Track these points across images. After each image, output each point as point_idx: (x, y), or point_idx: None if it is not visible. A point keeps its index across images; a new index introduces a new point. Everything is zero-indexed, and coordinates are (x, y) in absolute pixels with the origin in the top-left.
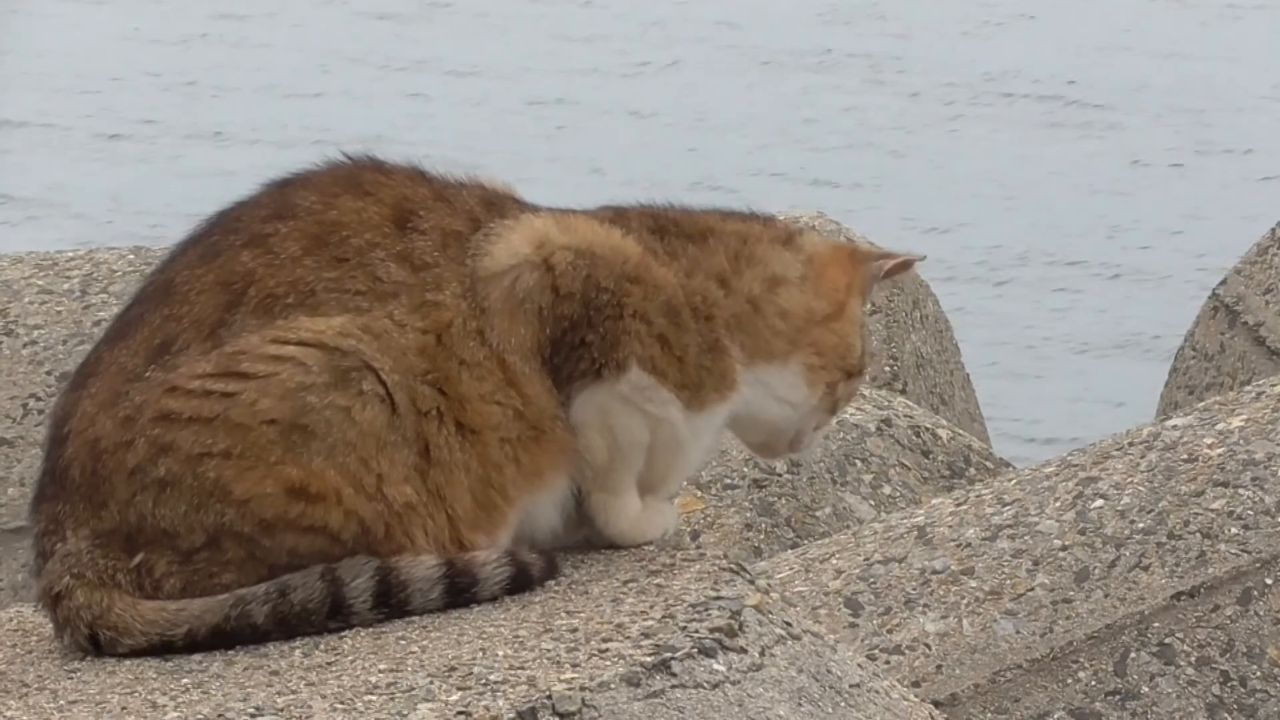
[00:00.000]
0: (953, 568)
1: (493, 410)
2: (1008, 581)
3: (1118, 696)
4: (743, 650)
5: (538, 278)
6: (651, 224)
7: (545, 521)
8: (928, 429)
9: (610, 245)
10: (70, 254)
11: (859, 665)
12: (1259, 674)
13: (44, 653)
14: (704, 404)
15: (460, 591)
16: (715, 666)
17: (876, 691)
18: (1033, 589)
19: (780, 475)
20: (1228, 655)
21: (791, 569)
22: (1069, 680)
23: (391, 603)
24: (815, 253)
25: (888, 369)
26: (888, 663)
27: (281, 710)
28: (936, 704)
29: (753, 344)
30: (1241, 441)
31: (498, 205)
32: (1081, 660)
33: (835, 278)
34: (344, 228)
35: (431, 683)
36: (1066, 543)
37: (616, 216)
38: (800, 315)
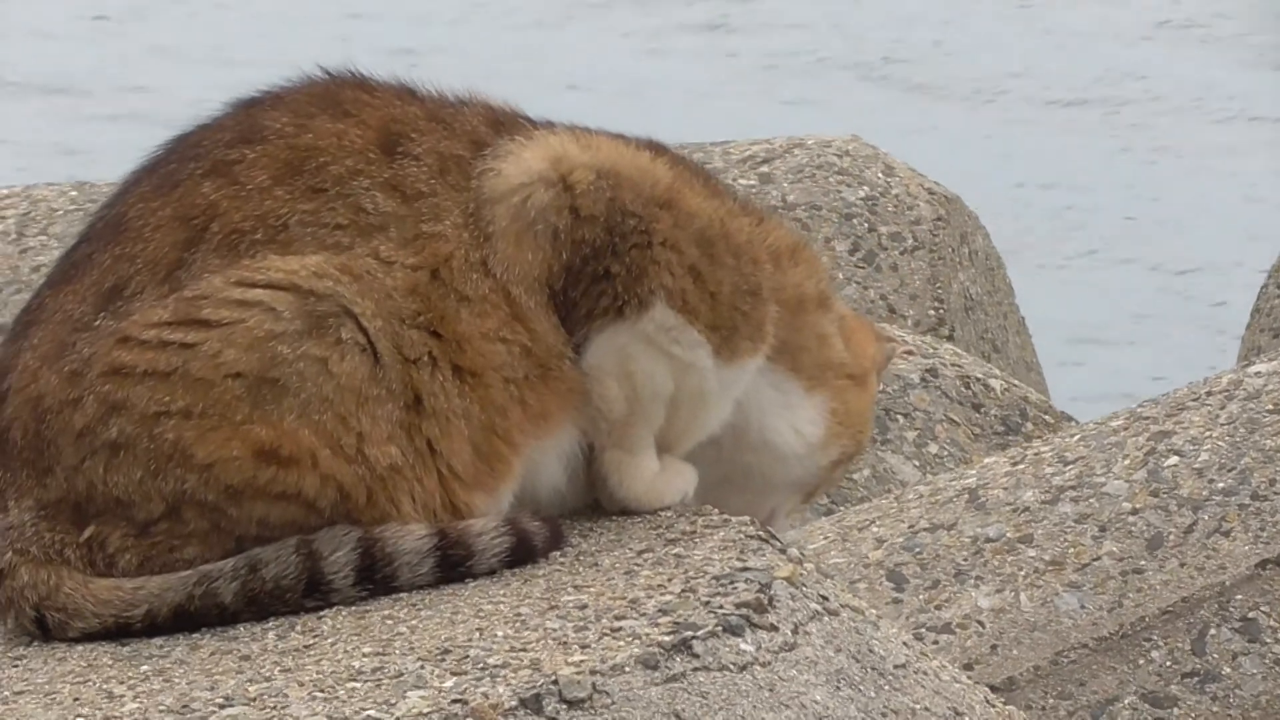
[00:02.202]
0: (1008, 535)
1: (496, 349)
2: (1071, 550)
3: (1196, 679)
4: (773, 628)
5: (553, 196)
6: (695, 170)
7: (549, 478)
8: (978, 379)
9: (638, 166)
10: (4, 191)
11: (904, 644)
12: None
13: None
14: (736, 352)
15: (454, 565)
16: (742, 646)
17: (924, 673)
18: (1099, 558)
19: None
20: None
21: (826, 538)
22: (1140, 661)
23: (376, 578)
24: (846, 314)
25: (933, 312)
26: (936, 642)
27: (254, 700)
28: (992, 688)
29: (784, 340)
30: None
31: (506, 124)
32: (1155, 638)
33: (865, 345)
34: (321, 153)
35: (423, 667)
36: (1137, 505)
37: (652, 145)
38: (835, 351)
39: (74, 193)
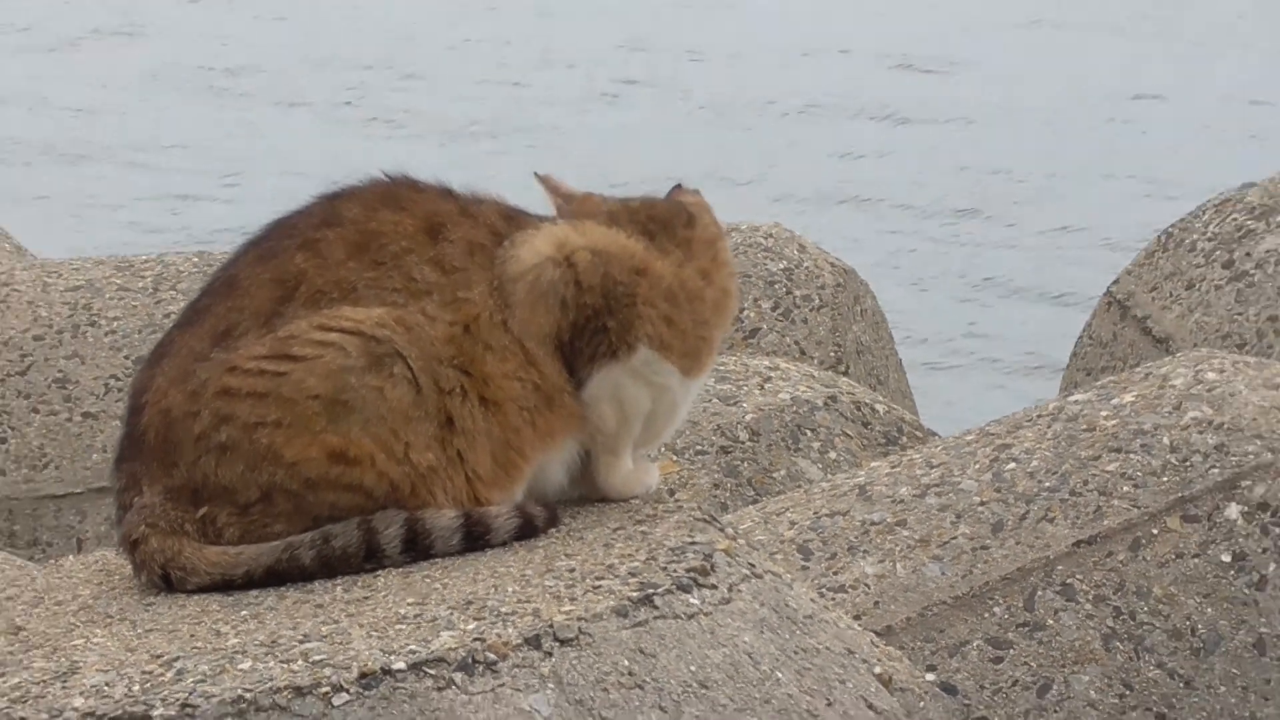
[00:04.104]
0: (888, 520)
1: (513, 385)
2: (934, 531)
3: (1027, 628)
4: (714, 587)
5: (561, 273)
6: (640, 226)
7: (553, 477)
8: (867, 404)
9: (619, 244)
10: (144, 258)
11: (810, 600)
12: (1146, 609)
13: (124, 589)
14: (697, 368)
15: (476, 538)
16: (691, 600)
17: (826, 622)
18: (955, 538)
19: (743, 443)
20: (1120, 594)
21: (753, 521)
22: (985, 614)
23: (418, 548)
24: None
25: (833, 354)
26: (834, 599)
27: (325, 637)
28: (875, 633)
29: (723, 328)
30: (1132, 414)
31: (515, 219)
32: (996, 598)
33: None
34: (383, 236)
35: (452, 614)
36: (984, 499)
37: (613, 219)
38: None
39: (195, 259)
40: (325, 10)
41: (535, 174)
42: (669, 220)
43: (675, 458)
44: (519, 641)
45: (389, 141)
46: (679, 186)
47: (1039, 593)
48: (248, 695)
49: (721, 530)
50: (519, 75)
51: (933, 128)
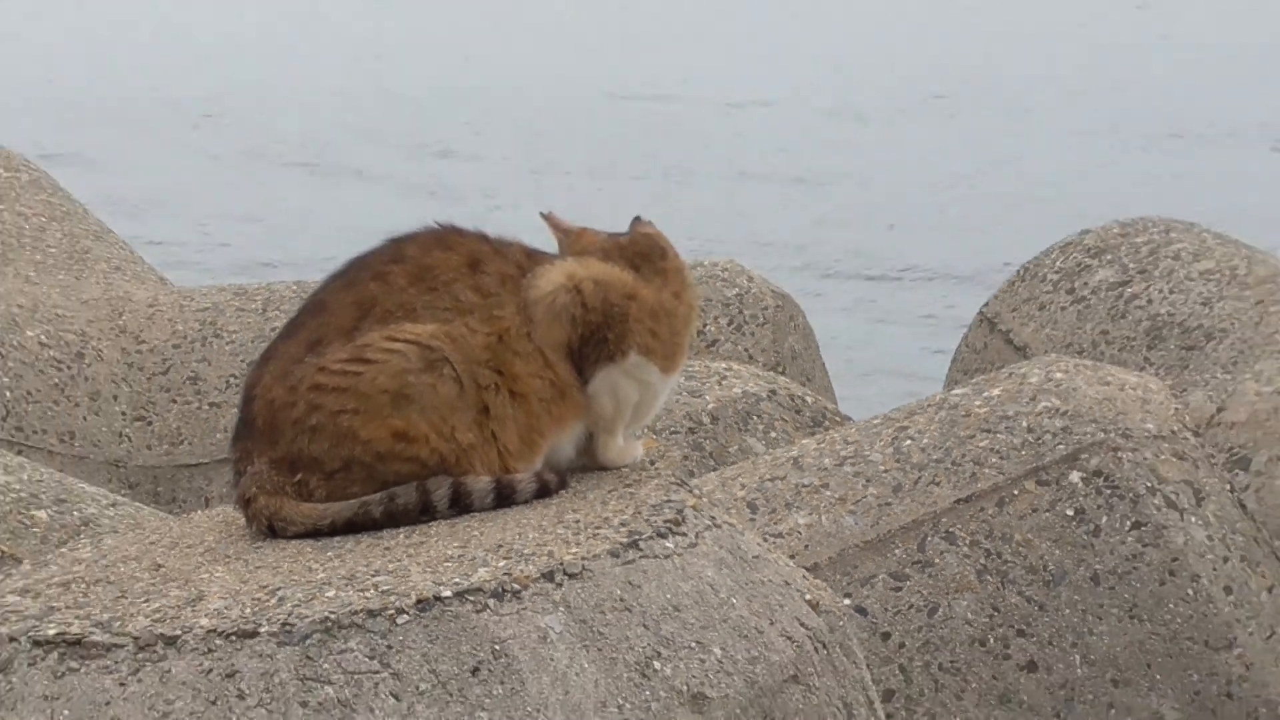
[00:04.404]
0: (815, 483)
1: (535, 382)
2: (850, 492)
3: (919, 565)
4: (684, 534)
5: (571, 297)
6: (629, 257)
7: (564, 452)
8: (799, 396)
9: (614, 275)
10: (255, 285)
11: (757, 544)
12: (1009, 551)
13: (239, 536)
14: (674, 368)
15: (505, 498)
16: (667, 545)
17: (768, 561)
18: (865, 497)
19: (705, 426)
20: (989, 539)
21: (713, 484)
22: (888, 555)
23: (461, 505)
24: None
25: (773, 359)
26: (774, 543)
27: (391, 572)
28: (805, 569)
29: (690, 335)
30: (998, 404)
31: (534, 256)
32: (896, 542)
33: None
34: (436, 269)
35: (487, 555)
36: (887, 468)
37: (608, 253)
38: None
39: (294, 286)
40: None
41: (540, 213)
42: (649, 254)
43: (655, 436)
44: (537, 575)
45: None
46: (638, 219)
47: (928, 539)
48: (332, 616)
49: (690, 491)
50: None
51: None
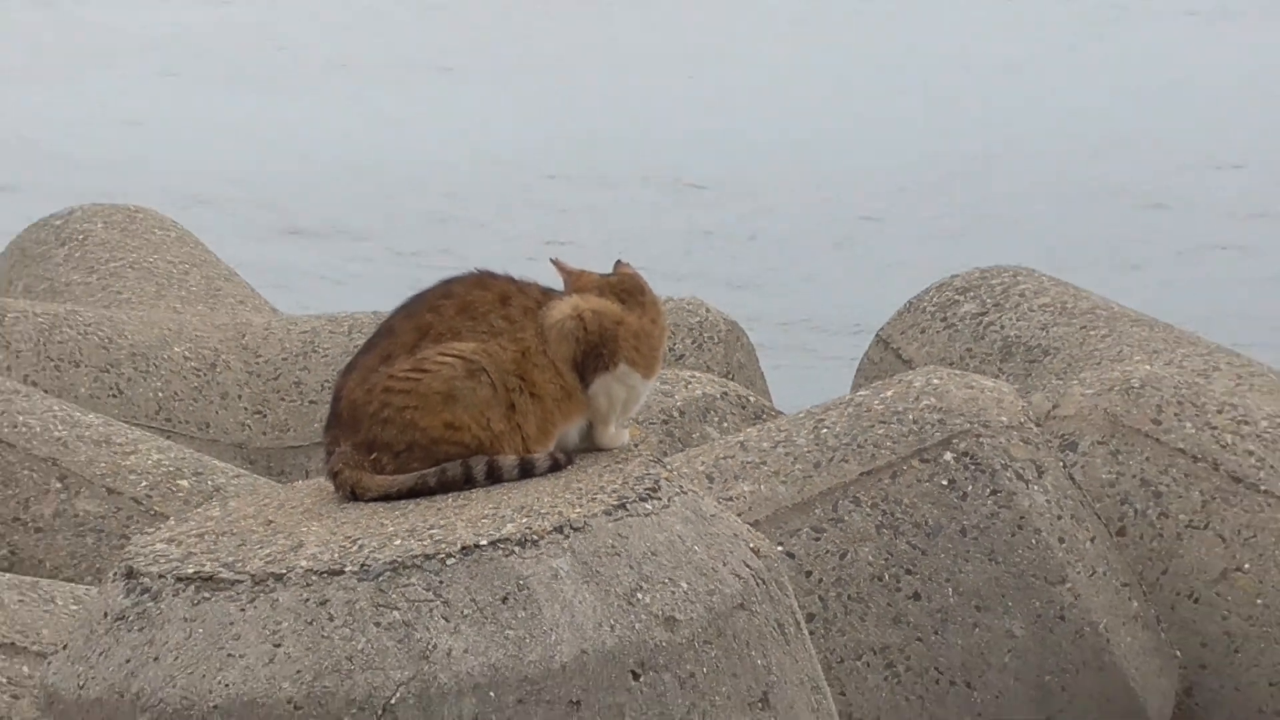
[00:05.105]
0: (755, 460)
1: (549, 386)
2: (781, 467)
3: (833, 521)
4: (659, 499)
5: (575, 324)
6: (617, 293)
7: (571, 438)
8: (744, 396)
9: (608, 307)
10: (344, 314)
11: (713, 506)
12: (900, 511)
13: (329, 500)
14: (652, 375)
15: (526, 472)
16: (647, 506)
17: (722, 519)
18: (793, 470)
19: (675, 418)
20: (885, 502)
21: (680, 461)
22: (810, 514)
23: (494, 477)
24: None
25: (725, 369)
26: (726, 505)
27: (442, 526)
28: (749, 525)
29: (664, 350)
30: (892, 402)
31: (548, 293)
32: (816, 505)
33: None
34: (477, 303)
35: (513, 514)
36: (809, 449)
37: (602, 290)
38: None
39: (372, 315)
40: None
41: (551, 259)
42: (632, 290)
43: (638, 426)
44: (550, 529)
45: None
46: (620, 261)
47: (840, 502)
48: (399, 559)
49: (663, 467)
50: None
51: None
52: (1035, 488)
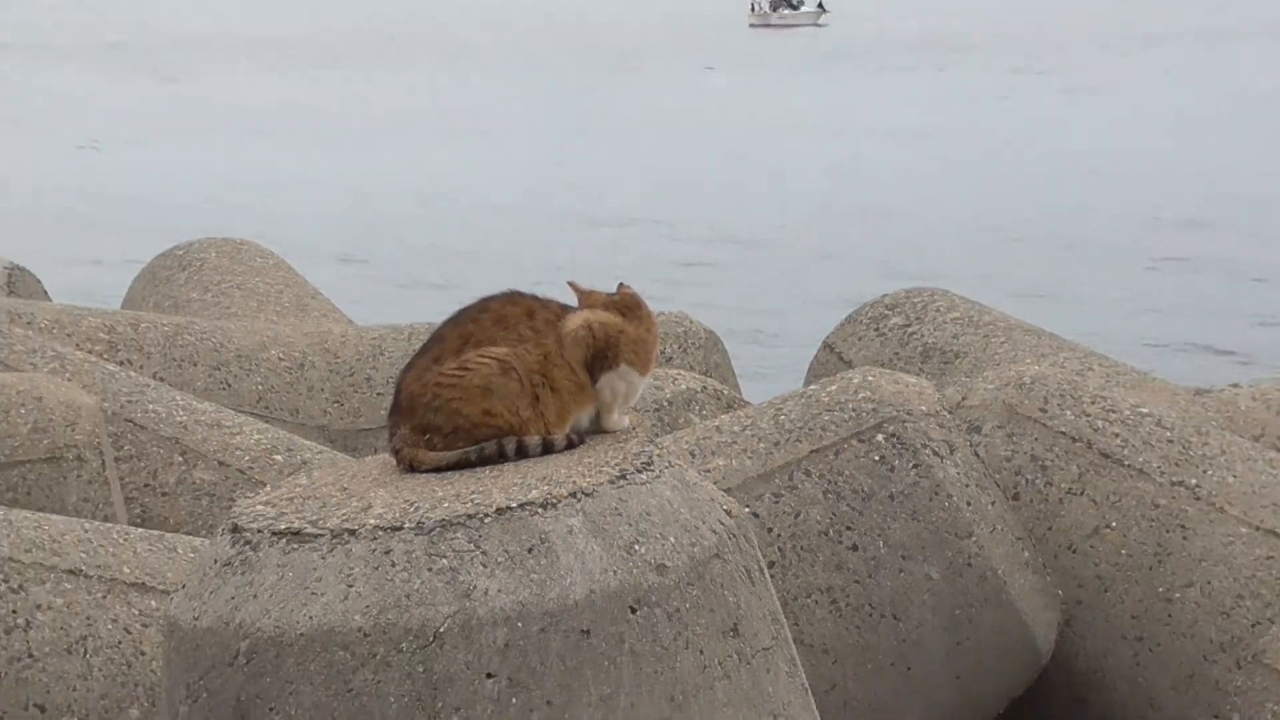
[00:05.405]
0: (727, 440)
1: (566, 382)
2: (749, 446)
3: (788, 489)
4: (653, 470)
5: (586, 332)
6: (619, 308)
7: (583, 423)
8: (719, 389)
9: (612, 319)
10: (406, 325)
11: (695, 476)
12: (841, 480)
13: (391, 472)
14: (647, 373)
15: (548, 449)
16: (642, 476)
17: (702, 486)
18: (757, 448)
19: (665, 407)
20: (830, 474)
21: (669, 442)
22: (771, 482)
23: (522, 454)
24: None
25: (704, 368)
26: (705, 475)
27: (480, 492)
28: (724, 491)
29: (656, 353)
30: (835, 394)
31: (566, 308)
32: (775, 475)
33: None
34: (509, 317)
35: (537, 482)
36: (770, 431)
37: (608, 306)
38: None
39: (426, 326)
40: None
41: (567, 282)
42: (631, 306)
43: (637, 413)
44: (566, 494)
45: None
46: (622, 284)
47: (794, 473)
48: (447, 517)
49: (656, 445)
50: None
51: None
52: (948, 462)
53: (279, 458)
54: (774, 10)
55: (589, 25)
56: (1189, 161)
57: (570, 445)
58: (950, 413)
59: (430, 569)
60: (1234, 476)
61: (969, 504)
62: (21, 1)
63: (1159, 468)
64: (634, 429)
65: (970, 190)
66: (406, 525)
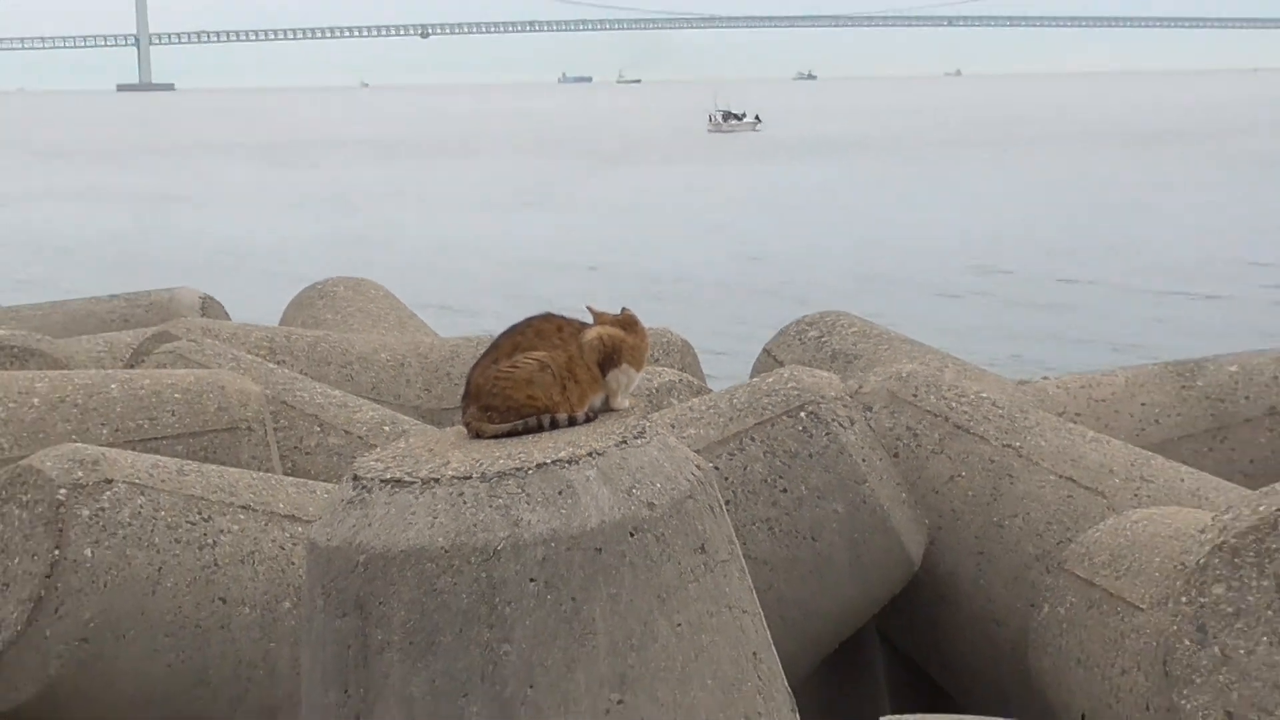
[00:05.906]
0: (697, 416)
1: (584, 376)
2: (712, 420)
3: (740, 452)
4: (646, 437)
5: (599, 342)
6: (622, 324)
7: (597, 404)
8: (691, 380)
9: (617, 333)
10: (478, 335)
11: (675, 441)
12: (780, 447)
13: (463, 439)
14: (641, 368)
15: (573, 423)
16: (639, 442)
17: (679, 448)
18: (718, 421)
19: (653, 394)
20: (770, 440)
21: (657, 418)
22: (728, 446)
23: (555, 426)
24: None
25: (680, 366)
26: (682, 441)
27: (523, 453)
28: (694, 451)
29: (648, 356)
30: (773, 385)
31: (584, 325)
32: (731, 442)
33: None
34: (546, 332)
35: (565, 445)
36: (726, 410)
37: (614, 323)
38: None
39: (486, 337)
40: None
41: (586, 306)
42: (631, 324)
43: (635, 398)
44: (585, 454)
45: None
46: (625, 308)
47: (743, 439)
48: (502, 470)
49: (648, 420)
50: None
51: None
52: (850, 431)
53: (387, 429)
54: (725, 121)
55: (587, 135)
56: (960, 234)
57: (588, 420)
58: (851, 397)
59: (490, 506)
60: (1045, 441)
61: (864, 460)
62: (172, 109)
63: (994, 435)
64: (632, 409)
65: (847, 245)
66: (474, 475)
